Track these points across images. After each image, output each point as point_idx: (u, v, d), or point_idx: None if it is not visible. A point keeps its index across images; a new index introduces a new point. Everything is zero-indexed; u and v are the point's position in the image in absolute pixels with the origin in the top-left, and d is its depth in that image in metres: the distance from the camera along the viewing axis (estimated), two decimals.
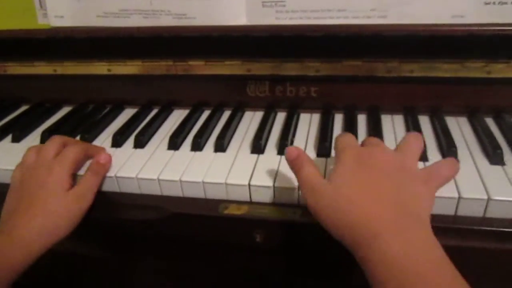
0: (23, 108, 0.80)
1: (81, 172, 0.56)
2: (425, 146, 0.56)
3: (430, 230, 0.39)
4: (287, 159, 0.47)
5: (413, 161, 0.45)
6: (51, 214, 0.50)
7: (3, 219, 0.51)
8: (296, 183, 0.51)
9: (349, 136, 0.49)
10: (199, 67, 0.68)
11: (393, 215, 0.39)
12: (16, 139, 0.68)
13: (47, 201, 0.50)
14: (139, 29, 0.64)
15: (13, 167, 0.59)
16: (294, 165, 0.46)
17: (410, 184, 0.42)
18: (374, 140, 0.49)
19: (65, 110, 0.78)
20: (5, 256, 0.47)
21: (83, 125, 0.69)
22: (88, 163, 0.57)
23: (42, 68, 0.74)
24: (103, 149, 0.61)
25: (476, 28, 0.56)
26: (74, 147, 0.55)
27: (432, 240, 0.38)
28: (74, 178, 0.54)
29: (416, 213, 0.40)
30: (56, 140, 0.56)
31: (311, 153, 0.58)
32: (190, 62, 0.67)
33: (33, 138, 0.69)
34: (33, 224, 0.49)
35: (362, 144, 0.49)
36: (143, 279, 0.65)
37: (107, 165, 0.56)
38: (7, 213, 0.51)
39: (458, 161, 0.51)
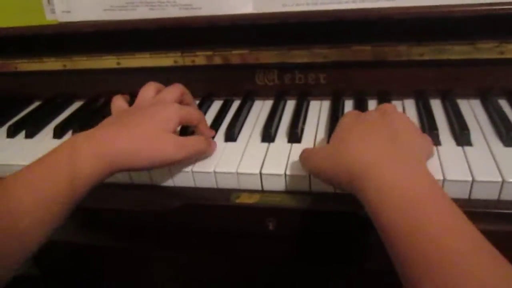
0: (35, 104, 0.81)
1: None
2: (437, 129, 0.55)
3: (429, 171, 0.40)
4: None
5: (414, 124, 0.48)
6: (144, 139, 0.48)
7: (95, 128, 0.50)
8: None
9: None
10: (207, 57, 0.67)
11: (389, 149, 0.41)
12: (29, 135, 0.69)
13: (146, 127, 0.49)
14: (145, 21, 0.64)
15: (27, 163, 0.60)
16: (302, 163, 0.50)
17: (407, 132, 0.45)
18: (384, 106, 0.51)
19: (76, 105, 0.79)
20: (79, 162, 0.45)
21: (95, 119, 0.70)
22: None
23: (51, 64, 0.75)
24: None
25: (487, 7, 0.54)
26: (196, 112, 0.55)
27: (430, 177, 0.39)
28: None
29: (413, 153, 0.42)
30: (177, 88, 0.56)
31: (323, 140, 0.58)
32: (198, 53, 0.67)
33: (46, 134, 0.69)
34: (122, 141, 0.47)
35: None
36: (156, 270, 0.66)
37: (212, 151, 0.56)
38: (100, 125, 0.51)
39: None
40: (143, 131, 0.48)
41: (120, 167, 0.47)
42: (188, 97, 0.58)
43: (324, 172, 0.45)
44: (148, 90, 0.56)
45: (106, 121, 0.52)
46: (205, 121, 0.58)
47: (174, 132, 0.51)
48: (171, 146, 0.49)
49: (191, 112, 0.54)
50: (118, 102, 0.57)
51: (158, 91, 0.56)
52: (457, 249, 0.32)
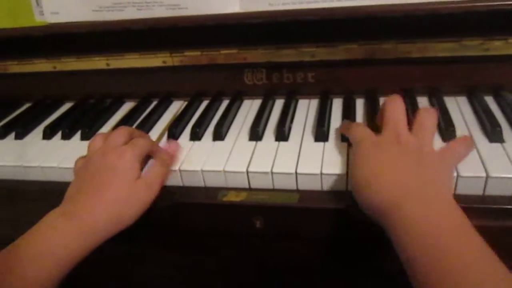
0: (26, 106, 0.81)
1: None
2: None
3: (452, 200, 0.42)
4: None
5: (429, 143, 0.48)
6: (121, 201, 0.47)
7: (65, 201, 0.48)
8: (293, 169, 0.51)
9: (361, 128, 0.51)
10: (196, 57, 0.68)
11: (415, 184, 0.42)
12: (19, 136, 0.69)
13: (118, 187, 0.47)
14: (133, 21, 0.64)
15: (17, 164, 0.60)
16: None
17: (429, 162, 0.45)
18: (392, 123, 0.49)
19: (66, 106, 0.79)
20: (66, 244, 0.44)
21: (84, 120, 0.70)
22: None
23: (41, 66, 0.75)
24: (167, 151, 0.56)
25: (472, 4, 0.55)
26: (144, 139, 0.54)
27: (454, 208, 0.40)
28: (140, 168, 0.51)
29: (437, 186, 0.43)
30: (124, 130, 0.54)
31: (309, 138, 0.58)
32: (186, 53, 0.68)
33: (36, 135, 0.69)
34: (101, 210, 0.46)
35: (383, 125, 0.50)
36: (144, 270, 0.65)
37: (175, 156, 0.54)
38: (70, 196, 0.49)
39: (471, 139, 0.53)
40: (116, 191, 0.47)
41: (108, 236, 0.47)
42: (136, 132, 0.56)
43: (357, 201, 0.46)
44: (95, 141, 0.53)
45: (73, 189, 0.50)
46: (158, 145, 0.57)
47: (140, 168, 0.51)
48: (143, 193, 0.49)
49: (144, 146, 0.52)
50: (78, 163, 0.53)
51: (130, 137, 0.54)
52: (475, 284, 0.34)
